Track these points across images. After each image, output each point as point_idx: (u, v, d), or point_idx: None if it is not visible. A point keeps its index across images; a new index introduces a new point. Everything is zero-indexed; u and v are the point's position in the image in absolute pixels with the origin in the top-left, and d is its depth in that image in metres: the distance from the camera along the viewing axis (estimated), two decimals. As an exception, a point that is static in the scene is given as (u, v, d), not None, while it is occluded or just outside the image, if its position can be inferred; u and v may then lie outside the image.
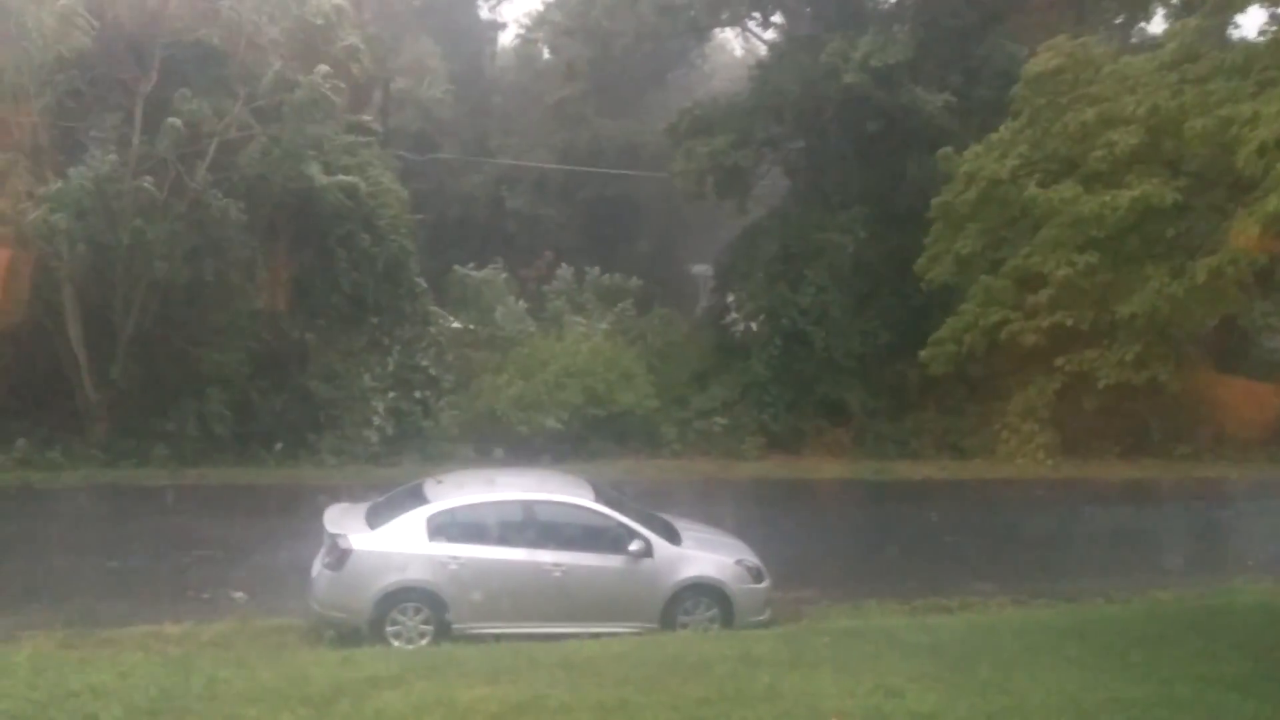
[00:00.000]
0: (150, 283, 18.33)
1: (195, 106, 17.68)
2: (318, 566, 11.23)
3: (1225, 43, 11.06)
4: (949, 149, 12.81)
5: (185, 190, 18.00)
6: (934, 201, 12.44)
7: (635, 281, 26.76)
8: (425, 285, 22.46)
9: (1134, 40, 22.12)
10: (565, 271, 26.66)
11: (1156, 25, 23.49)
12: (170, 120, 17.44)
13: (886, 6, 26.43)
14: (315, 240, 20.20)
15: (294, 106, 18.21)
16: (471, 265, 25.92)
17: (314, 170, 18.95)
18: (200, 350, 19.28)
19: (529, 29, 33.43)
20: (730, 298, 26.59)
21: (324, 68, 18.40)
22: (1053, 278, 10.44)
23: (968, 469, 21.64)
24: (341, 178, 19.65)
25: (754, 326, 25.73)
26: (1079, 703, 8.38)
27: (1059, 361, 11.12)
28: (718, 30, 29.53)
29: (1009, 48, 22.41)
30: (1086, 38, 11.70)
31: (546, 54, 31.96)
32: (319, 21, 18.38)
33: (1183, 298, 9.53)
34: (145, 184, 17.33)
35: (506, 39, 37.93)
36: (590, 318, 25.03)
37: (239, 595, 12.30)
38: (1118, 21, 21.81)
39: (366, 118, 22.97)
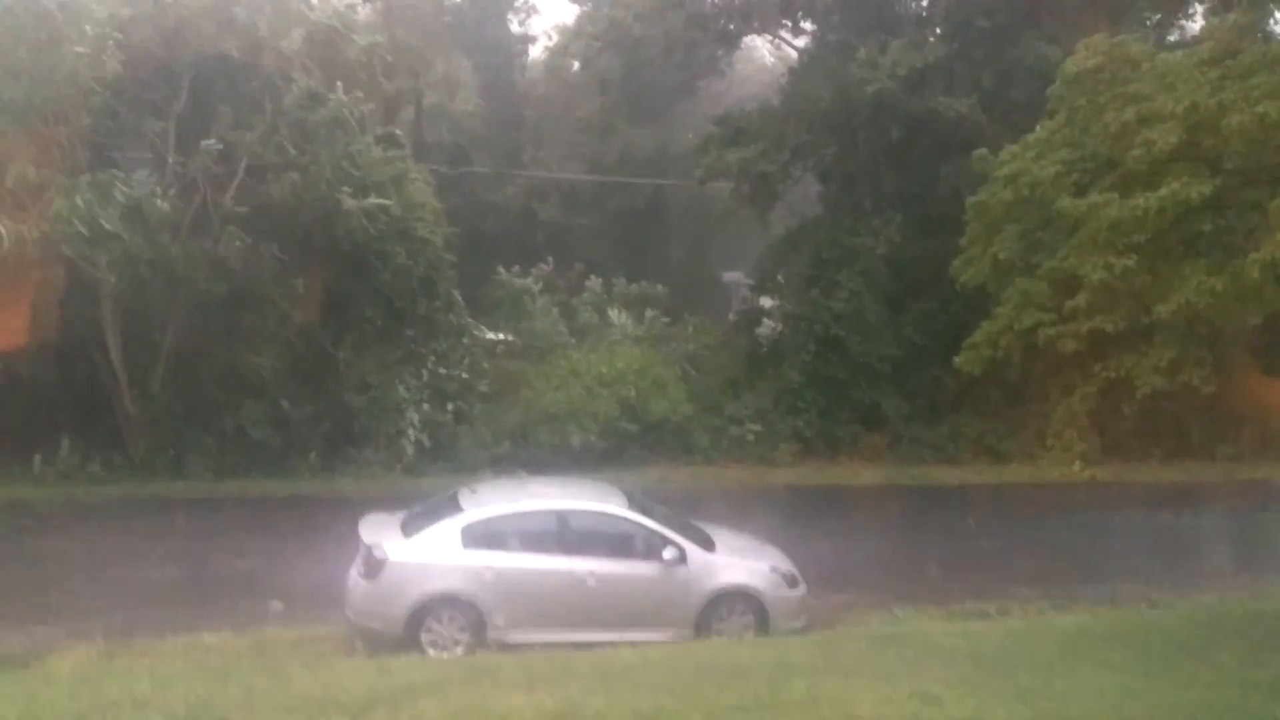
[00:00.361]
0: (188, 298, 18.57)
1: (230, 127, 17.91)
2: (353, 576, 11.29)
3: (1266, 37, 10.90)
4: (984, 150, 12.69)
5: (220, 209, 18.23)
6: (969, 202, 12.33)
7: (661, 289, 26.84)
8: (459, 298, 22.60)
9: (1172, 39, 21.91)
10: (595, 282, 26.79)
11: (1193, 23, 23.37)
12: (205, 143, 17.66)
13: (918, 9, 26.31)
14: (350, 254, 20.35)
15: (321, 126, 18.34)
16: (515, 270, 26.19)
17: (344, 195, 19.03)
18: (236, 363, 19.50)
19: (561, 41, 33.59)
20: (765, 303, 26.60)
21: (340, 89, 18.57)
22: (1089, 281, 10.31)
23: (1005, 473, 21.42)
24: (371, 200, 19.67)
25: (786, 332, 25.71)
26: (1120, 710, 8.24)
27: (1097, 369, 10.96)
28: (747, 38, 29.50)
29: (1042, 49, 22.23)
30: (1125, 36, 11.55)
31: (576, 66, 32.07)
32: (334, 23, 18.49)
33: (1222, 294, 9.38)
34: (176, 204, 17.60)
35: (536, 52, 38.23)
36: (624, 327, 25.11)
37: (276, 605, 12.38)
38: (1152, 21, 21.56)
39: (396, 130, 23.13)
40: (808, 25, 27.30)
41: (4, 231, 16.23)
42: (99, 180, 17.01)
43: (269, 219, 18.70)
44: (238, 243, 18.11)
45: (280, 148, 18.51)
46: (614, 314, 25.83)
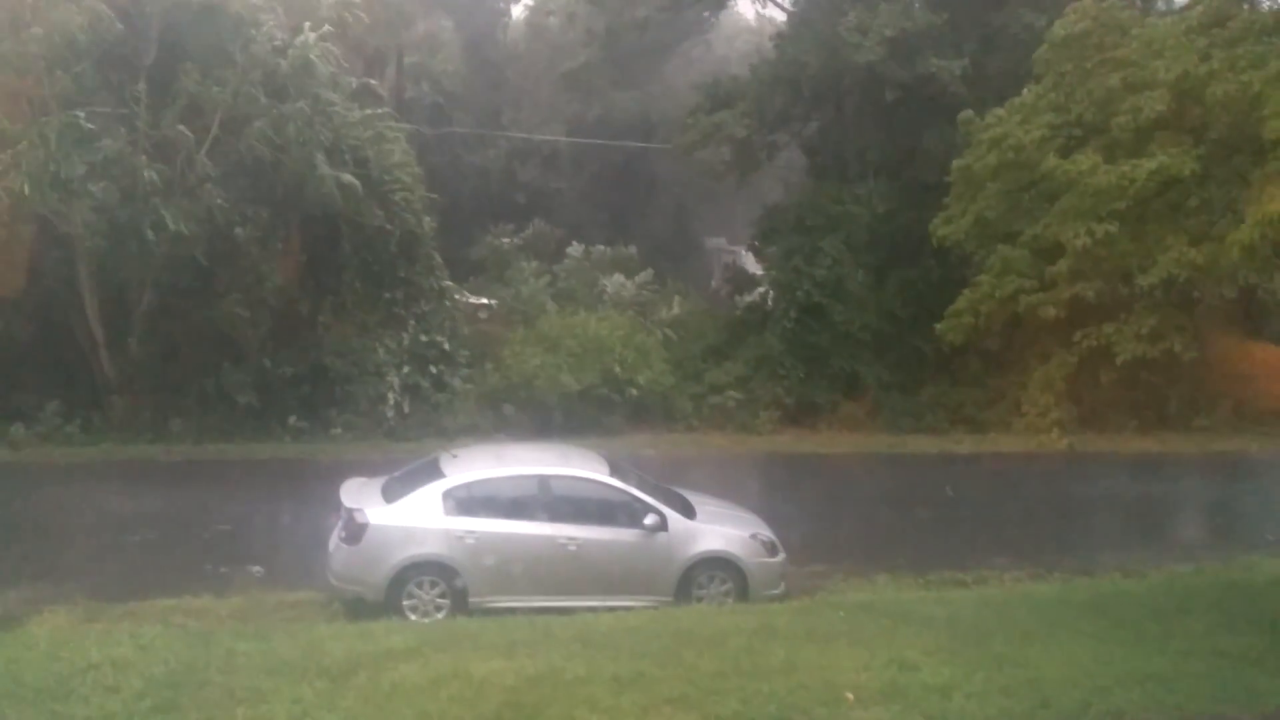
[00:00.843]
0: (164, 257, 18.33)
1: (199, 82, 17.54)
2: (334, 540, 11.28)
3: (1254, 5, 10.85)
4: (970, 113, 12.61)
5: (194, 166, 17.97)
6: (954, 165, 12.26)
7: (633, 251, 26.85)
8: (440, 260, 22.47)
9: (1159, 4, 21.84)
10: (575, 249, 26.74)
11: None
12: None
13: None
14: (326, 216, 20.15)
15: (290, 75, 17.97)
16: (498, 233, 26.09)
17: (318, 160, 18.73)
18: (215, 324, 19.35)
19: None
20: (748, 271, 26.63)
21: (309, 29, 18.08)
22: (1070, 247, 10.30)
23: (984, 443, 21.59)
24: (344, 174, 19.35)
25: (769, 301, 25.76)
26: (1094, 676, 8.36)
27: (1077, 336, 10.98)
28: (733, 5, 29.23)
29: (1027, 16, 22.16)
30: (1113, 0, 11.48)
31: (560, 25, 31.73)
32: None
33: (1204, 264, 9.41)
34: (153, 171, 17.31)
35: (518, 11, 37.81)
36: (618, 290, 25.11)
37: (256, 569, 12.37)
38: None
39: (371, 82, 22.75)
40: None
41: None
42: (68, 128, 16.67)
43: (245, 177, 18.44)
44: (219, 200, 17.87)
45: (251, 98, 18.18)
46: (606, 280, 25.76)
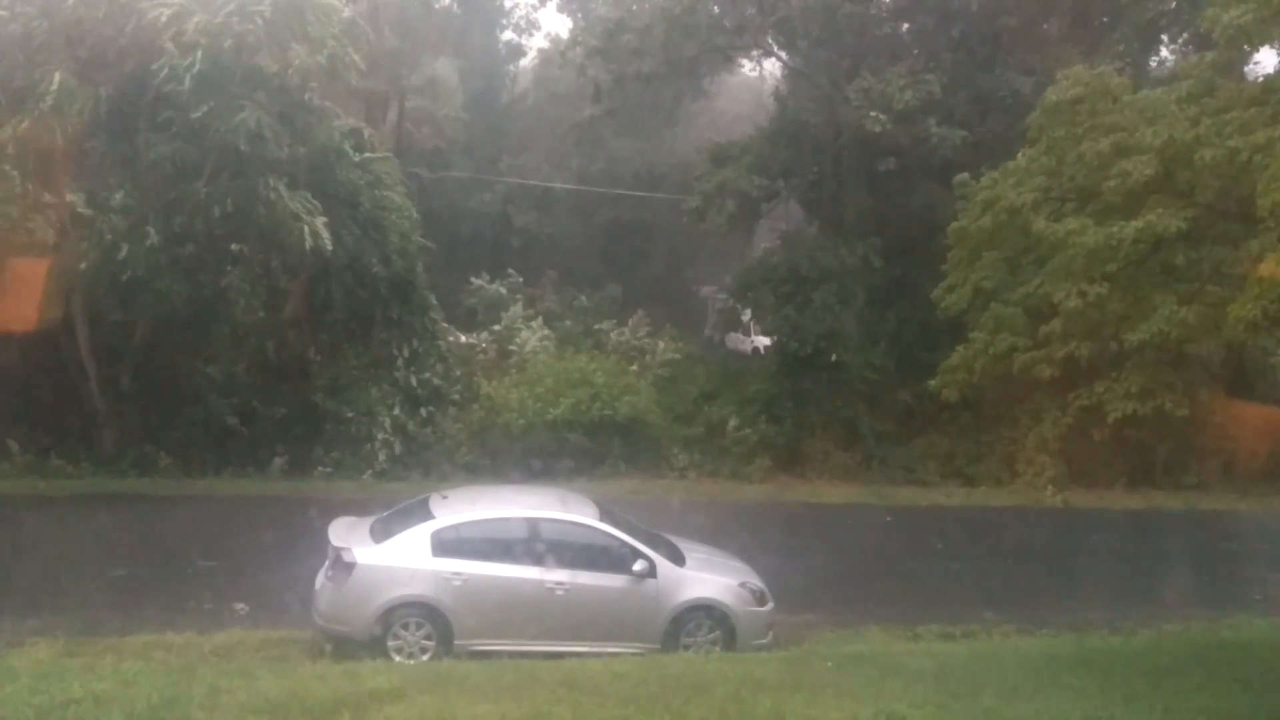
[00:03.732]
0: (156, 295, 18.28)
1: (174, 148, 17.36)
2: (321, 579, 11.24)
3: (1242, 78, 11.12)
4: (966, 175, 12.85)
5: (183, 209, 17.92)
6: (951, 227, 12.47)
7: (614, 290, 27.07)
8: (434, 301, 22.53)
9: (1152, 70, 22.31)
10: (581, 300, 27.17)
11: (1168, 56, 23.84)
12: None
13: (893, 34, 26.55)
14: (317, 258, 20.07)
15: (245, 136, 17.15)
16: (486, 278, 26.26)
17: (300, 211, 18.44)
18: (206, 361, 19.33)
19: (552, 49, 33.57)
20: (745, 318, 26.78)
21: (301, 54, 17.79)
22: (1063, 308, 10.44)
23: (974, 496, 21.59)
24: (319, 220, 18.43)
25: (761, 349, 25.90)
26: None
27: (1071, 397, 11.10)
28: (737, 61, 29.56)
29: (1016, 81, 22.57)
30: (1104, 68, 11.74)
31: (567, 77, 32.13)
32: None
33: (1193, 325, 9.55)
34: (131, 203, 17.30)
35: (526, 61, 38.23)
36: (603, 334, 25.27)
37: (241, 606, 12.29)
38: (1126, 50, 21.93)
39: (367, 127, 22.81)
40: (778, 49, 27.39)
41: None
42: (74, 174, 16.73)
43: (235, 220, 18.38)
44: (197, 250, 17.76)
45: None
46: (603, 324, 25.92)
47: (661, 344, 25.22)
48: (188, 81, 16.47)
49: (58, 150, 16.97)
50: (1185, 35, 22.23)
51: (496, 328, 25.13)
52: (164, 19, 16.55)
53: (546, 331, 25.19)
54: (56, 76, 16.40)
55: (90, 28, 17.13)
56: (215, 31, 16.68)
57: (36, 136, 16.58)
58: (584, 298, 28.04)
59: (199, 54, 16.44)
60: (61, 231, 17.10)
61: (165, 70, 16.59)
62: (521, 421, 20.80)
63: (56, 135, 16.62)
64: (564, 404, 21.16)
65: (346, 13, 18.89)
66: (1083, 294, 10.19)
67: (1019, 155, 12.04)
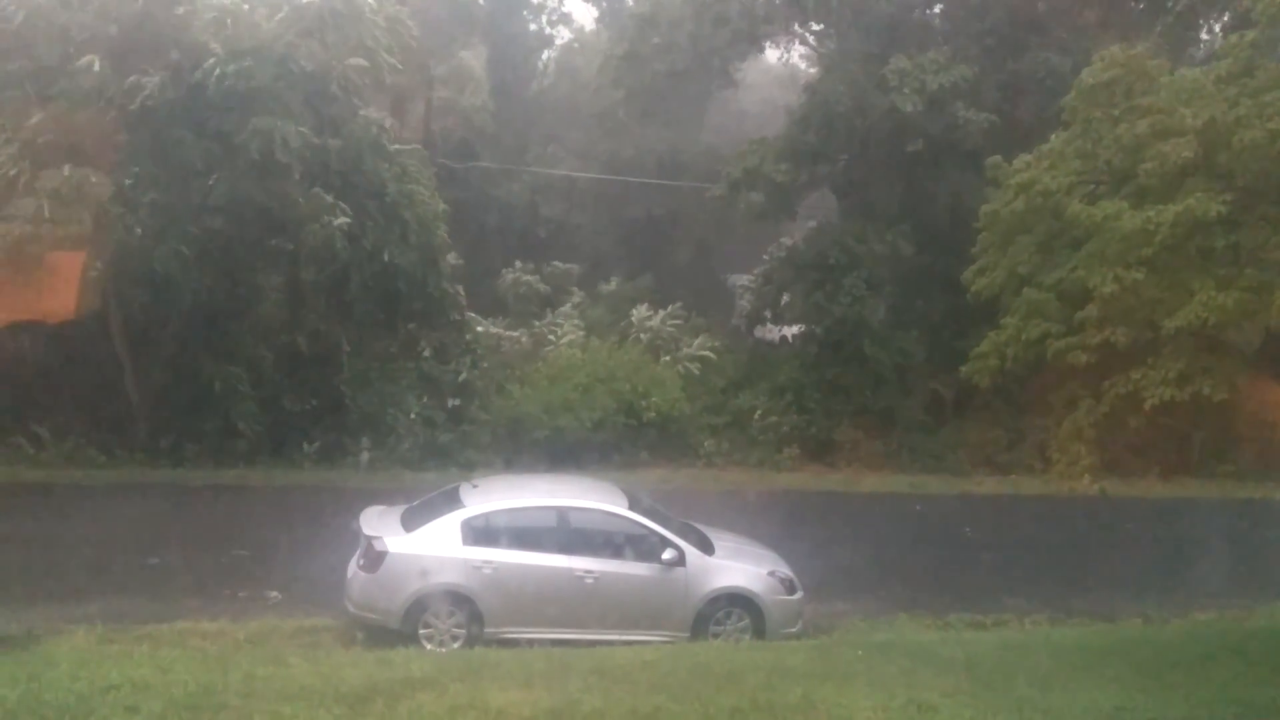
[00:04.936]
0: (186, 291, 18.46)
1: (204, 148, 17.54)
2: (353, 568, 11.31)
3: None
4: (998, 158, 12.70)
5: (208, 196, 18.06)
6: (982, 210, 12.36)
7: (646, 280, 26.95)
8: (460, 292, 22.61)
9: (1191, 54, 21.97)
10: (608, 285, 27.05)
11: (1205, 36, 23.45)
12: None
13: (925, 18, 26.33)
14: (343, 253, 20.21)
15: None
16: (521, 270, 26.30)
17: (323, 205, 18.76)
18: (232, 353, 19.51)
19: (578, 39, 33.48)
20: (768, 309, 26.68)
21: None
22: (1099, 294, 10.31)
23: (1005, 484, 21.42)
24: (341, 220, 19.11)
25: (789, 338, 25.77)
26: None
27: (1106, 384, 10.94)
28: (765, 47, 29.37)
29: (1052, 61, 22.26)
30: (1140, 48, 11.57)
31: (594, 67, 32.09)
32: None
33: (1232, 309, 9.42)
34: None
35: (550, 51, 38.15)
36: (642, 322, 25.19)
37: (274, 595, 12.41)
38: (1164, 29, 21.61)
39: (392, 120, 22.87)
40: (814, 30, 27.20)
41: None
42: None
43: (264, 219, 18.51)
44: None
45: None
46: (635, 311, 25.85)
47: (695, 340, 25.06)
48: (225, 83, 16.59)
49: (90, 141, 17.11)
50: (1226, 17, 21.87)
51: (537, 325, 25.21)
52: (209, 16, 16.66)
53: (578, 321, 25.19)
54: (95, 62, 16.51)
55: (129, 20, 17.20)
56: (264, 36, 16.76)
57: (68, 124, 16.71)
58: (614, 282, 27.92)
59: (243, 58, 16.55)
60: (96, 225, 17.26)
61: (210, 71, 16.71)
62: (547, 431, 20.76)
63: (89, 123, 16.77)
64: (589, 414, 21.09)
65: (391, 11, 18.94)
66: (1119, 279, 10.07)
67: (1052, 138, 11.89)
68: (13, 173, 16.37)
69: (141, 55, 17.37)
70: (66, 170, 16.45)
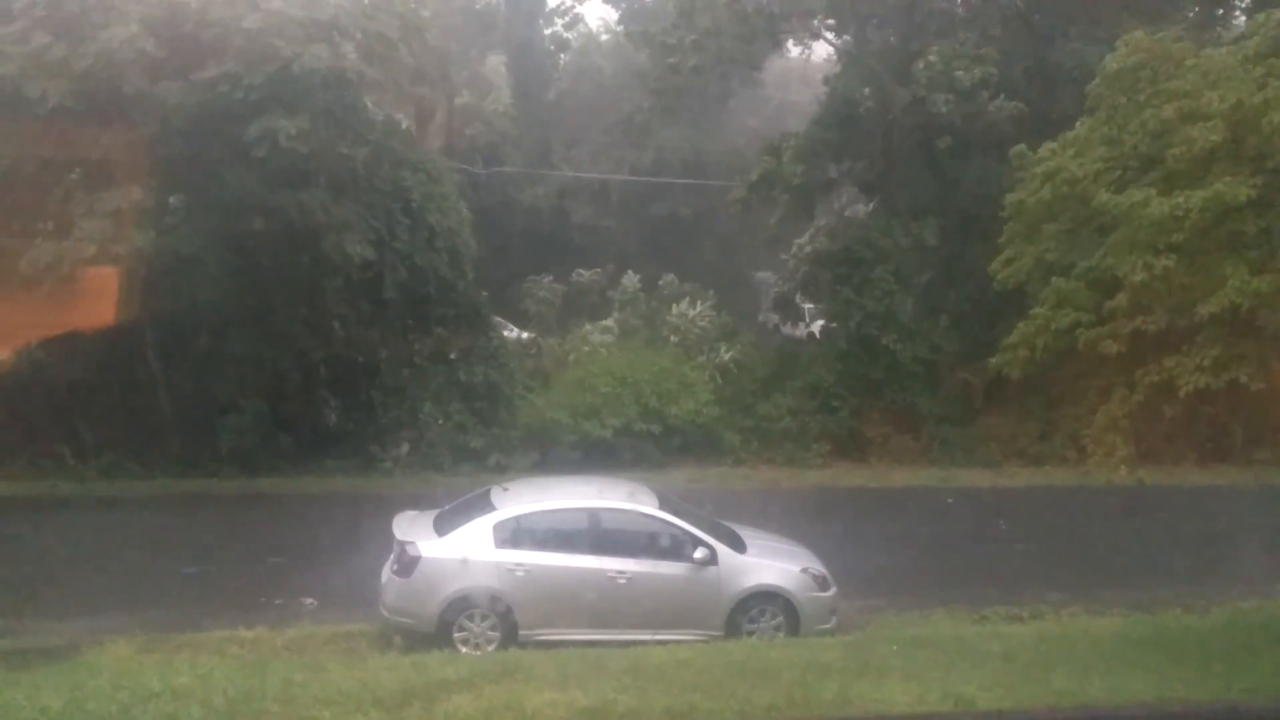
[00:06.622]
0: (217, 301, 18.64)
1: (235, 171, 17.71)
2: (387, 573, 11.39)
3: None
4: (1023, 146, 12.55)
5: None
6: (1008, 199, 12.19)
7: (689, 285, 26.92)
8: (487, 296, 22.68)
9: (1219, 31, 21.65)
10: (631, 279, 26.89)
11: (1236, 19, 23.13)
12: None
13: (950, 7, 26.14)
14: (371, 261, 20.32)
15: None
16: (547, 279, 26.41)
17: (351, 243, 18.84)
18: (260, 362, 19.68)
19: (596, 41, 33.51)
20: (801, 304, 26.63)
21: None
22: (1129, 282, 10.18)
23: (1037, 476, 21.23)
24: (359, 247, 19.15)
25: (817, 333, 25.66)
26: (1157, 713, 8.16)
27: (1139, 373, 10.79)
28: (787, 44, 29.26)
29: (1082, 51, 22.05)
30: (1166, 32, 11.40)
31: (611, 68, 32.15)
32: None
33: (1266, 293, 9.26)
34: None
35: (570, 55, 38.25)
36: (680, 319, 25.12)
37: (310, 601, 12.52)
38: (1193, 16, 21.34)
39: (399, 117, 22.94)
40: (832, 26, 27.03)
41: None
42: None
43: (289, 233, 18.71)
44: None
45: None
46: (674, 307, 25.79)
47: (725, 350, 24.95)
48: (253, 96, 16.79)
49: (122, 154, 17.35)
50: (1253, -1, 21.56)
51: (569, 332, 25.26)
52: (254, 27, 16.83)
53: (609, 323, 25.16)
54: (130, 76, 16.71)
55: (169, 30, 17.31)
56: (312, 58, 16.94)
57: (118, 144, 16.98)
58: (637, 279, 27.88)
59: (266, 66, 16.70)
60: (127, 240, 17.47)
61: (239, 82, 16.90)
62: (575, 436, 20.83)
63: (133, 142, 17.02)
64: (613, 421, 21.09)
65: (409, 14, 19.04)
66: (1149, 266, 9.92)
67: (1077, 124, 11.73)
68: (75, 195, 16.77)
69: (175, 71, 17.58)
70: (131, 191, 16.71)
